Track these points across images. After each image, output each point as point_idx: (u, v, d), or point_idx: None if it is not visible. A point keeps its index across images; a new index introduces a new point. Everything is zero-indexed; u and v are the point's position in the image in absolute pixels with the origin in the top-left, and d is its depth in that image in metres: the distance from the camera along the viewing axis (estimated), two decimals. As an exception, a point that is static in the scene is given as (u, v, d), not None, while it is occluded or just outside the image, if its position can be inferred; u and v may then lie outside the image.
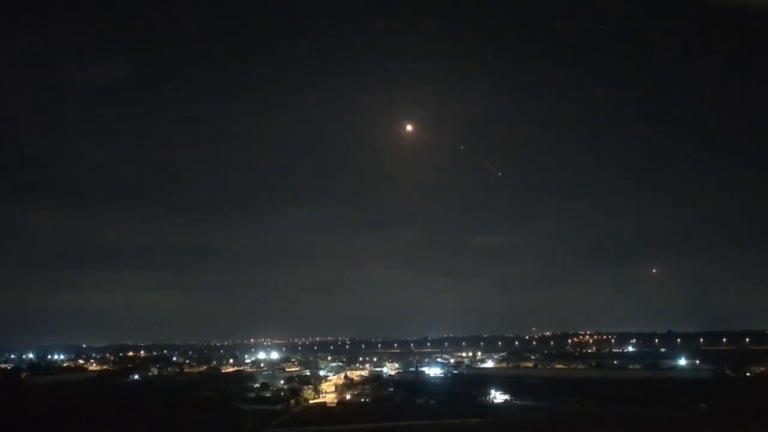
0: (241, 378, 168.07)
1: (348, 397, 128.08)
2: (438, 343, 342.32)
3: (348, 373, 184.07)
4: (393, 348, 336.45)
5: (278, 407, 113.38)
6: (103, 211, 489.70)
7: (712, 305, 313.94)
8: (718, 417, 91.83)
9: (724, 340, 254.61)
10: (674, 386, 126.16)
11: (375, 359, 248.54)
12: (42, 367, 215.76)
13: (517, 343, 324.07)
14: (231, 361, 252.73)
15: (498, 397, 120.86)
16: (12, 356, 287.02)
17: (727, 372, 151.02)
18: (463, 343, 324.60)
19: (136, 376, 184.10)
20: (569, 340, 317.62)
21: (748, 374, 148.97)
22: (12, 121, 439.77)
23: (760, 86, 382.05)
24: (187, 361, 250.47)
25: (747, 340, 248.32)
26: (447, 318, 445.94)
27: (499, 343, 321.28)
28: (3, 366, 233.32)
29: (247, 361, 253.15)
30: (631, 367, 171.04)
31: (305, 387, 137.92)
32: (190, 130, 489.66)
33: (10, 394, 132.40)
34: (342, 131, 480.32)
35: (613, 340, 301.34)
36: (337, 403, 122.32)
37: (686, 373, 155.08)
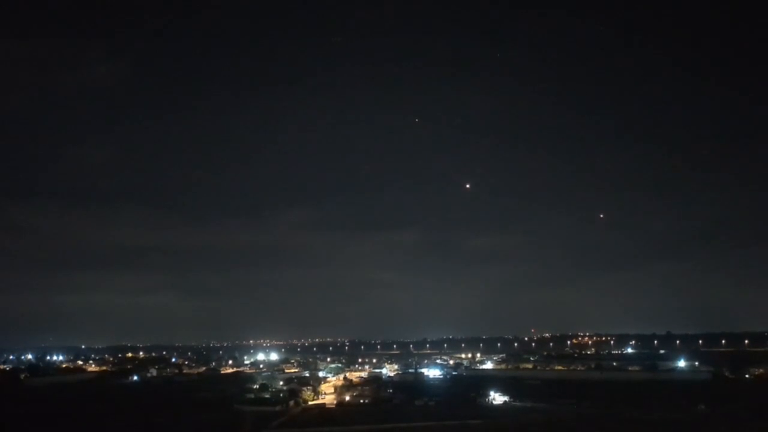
0: (240, 379, 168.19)
1: (347, 398, 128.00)
2: (437, 345, 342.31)
3: (347, 374, 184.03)
4: (392, 349, 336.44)
5: (277, 408, 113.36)
6: (103, 211, 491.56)
7: (711, 307, 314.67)
8: (717, 419, 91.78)
9: (723, 341, 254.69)
10: (673, 388, 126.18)
11: (374, 360, 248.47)
12: (41, 368, 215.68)
13: (516, 344, 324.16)
14: (230, 362, 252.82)
15: (497, 398, 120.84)
16: (11, 357, 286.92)
17: (726, 374, 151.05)
18: (463, 345, 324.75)
19: (135, 377, 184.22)
20: (568, 342, 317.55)
21: (747, 376, 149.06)
22: (13, 122, 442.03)
23: (761, 88, 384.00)
24: (186, 362, 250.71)
25: (746, 341, 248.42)
26: (446, 319, 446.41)
27: (499, 344, 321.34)
28: (2, 367, 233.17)
29: (247, 362, 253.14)
30: (630, 368, 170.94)
31: (304, 388, 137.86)
32: (189, 131, 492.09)
33: (8, 396, 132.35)
34: (341, 133, 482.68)
35: (612, 342, 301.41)
36: (337, 405, 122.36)
37: (685, 375, 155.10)
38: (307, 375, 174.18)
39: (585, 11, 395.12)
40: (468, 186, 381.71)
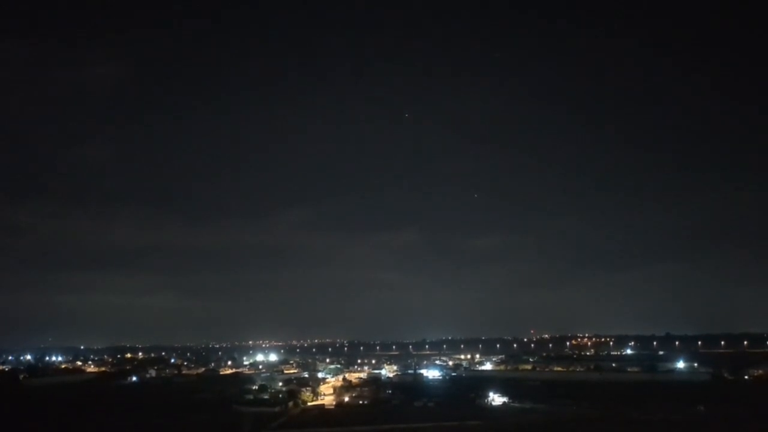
0: (239, 380, 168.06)
1: (346, 399, 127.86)
2: (436, 346, 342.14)
3: (346, 375, 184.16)
4: (391, 350, 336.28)
5: (276, 409, 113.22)
6: (103, 212, 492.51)
7: (711, 308, 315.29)
8: (717, 420, 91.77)
9: (722, 342, 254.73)
10: (672, 389, 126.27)
11: (373, 361, 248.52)
12: (40, 369, 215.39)
13: (515, 345, 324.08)
14: (229, 363, 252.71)
15: (496, 399, 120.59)
16: (10, 358, 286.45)
17: (725, 375, 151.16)
18: (462, 346, 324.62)
19: (134, 378, 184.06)
20: (567, 343, 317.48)
21: (746, 377, 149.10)
22: (12, 122, 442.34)
23: (759, 89, 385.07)
24: (186, 363, 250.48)
25: (745, 343, 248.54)
26: (445, 320, 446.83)
27: (498, 345, 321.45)
28: (1, 368, 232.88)
29: (246, 363, 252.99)
30: (629, 369, 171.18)
31: (303, 389, 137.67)
32: (189, 131, 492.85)
33: (7, 396, 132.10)
34: (341, 133, 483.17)
35: (611, 343, 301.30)
36: (336, 406, 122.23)
37: (684, 376, 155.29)
38: (306, 376, 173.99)
39: (584, 13, 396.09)
40: (476, 195, 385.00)
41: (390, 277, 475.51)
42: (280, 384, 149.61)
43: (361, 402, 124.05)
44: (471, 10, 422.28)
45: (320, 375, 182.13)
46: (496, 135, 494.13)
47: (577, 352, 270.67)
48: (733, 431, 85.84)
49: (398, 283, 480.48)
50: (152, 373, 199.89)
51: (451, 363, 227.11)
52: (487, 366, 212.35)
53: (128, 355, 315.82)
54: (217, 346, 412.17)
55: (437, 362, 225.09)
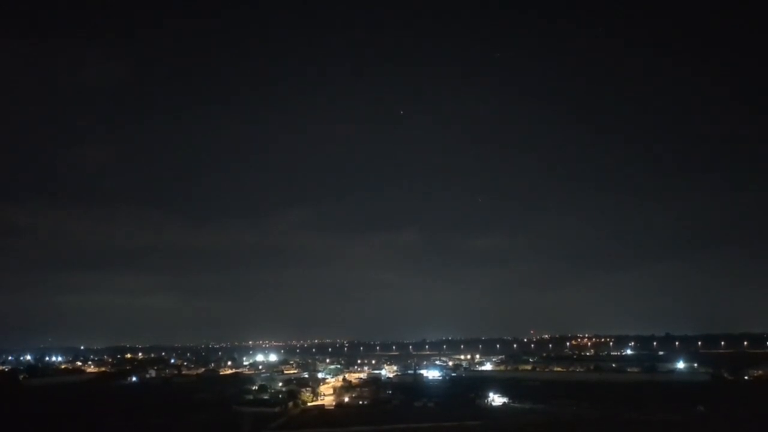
0: (239, 380, 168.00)
1: (346, 399, 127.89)
2: (436, 346, 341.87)
3: (346, 375, 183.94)
4: (391, 350, 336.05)
5: (276, 410, 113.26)
6: (103, 212, 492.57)
7: (711, 308, 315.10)
8: (716, 420, 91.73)
9: (722, 343, 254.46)
10: (672, 389, 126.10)
11: (373, 362, 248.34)
12: (40, 369, 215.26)
13: (515, 345, 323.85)
14: (229, 363, 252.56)
15: (496, 399, 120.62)
16: (10, 358, 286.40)
17: (725, 375, 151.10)
18: (462, 346, 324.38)
19: (134, 378, 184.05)
20: (567, 343, 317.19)
21: (746, 377, 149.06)
22: (12, 123, 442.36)
23: (759, 89, 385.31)
24: (185, 363, 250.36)
25: (745, 343, 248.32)
26: (445, 320, 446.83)
27: (498, 345, 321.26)
28: (1, 368, 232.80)
29: (246, 363, 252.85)
30: (629, 370, 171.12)
31: (303, 389, 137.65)
32: (189, 132, 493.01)
33: (7, 397, 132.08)
34: (339, 134, 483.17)
35: (611, 343, 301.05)
36: (336, 406, 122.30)
37: (684, 376, 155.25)
38: (306, 376, 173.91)
39: (584, 13, 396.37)
40: (480, 200, 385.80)
41: (390, 277, 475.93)
42: (280, 384, 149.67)
43: (361, 402, 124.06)
44: (471, 10, 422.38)
45: (320, 375, 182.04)
46: (496, 135, 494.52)
47: (577, 352, 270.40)
48: (733, 431, 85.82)
49: (398, 283, 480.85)
50: (152, 373, 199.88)
51: (451, 363, 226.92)
52: (487, 366, 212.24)
53: (128, 355, 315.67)
54: (217, 346, 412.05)
55: (437, 362, 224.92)
